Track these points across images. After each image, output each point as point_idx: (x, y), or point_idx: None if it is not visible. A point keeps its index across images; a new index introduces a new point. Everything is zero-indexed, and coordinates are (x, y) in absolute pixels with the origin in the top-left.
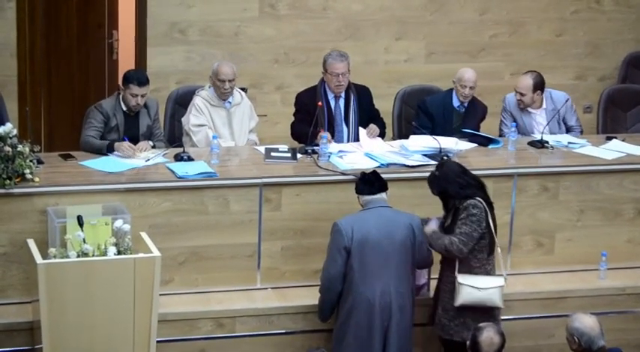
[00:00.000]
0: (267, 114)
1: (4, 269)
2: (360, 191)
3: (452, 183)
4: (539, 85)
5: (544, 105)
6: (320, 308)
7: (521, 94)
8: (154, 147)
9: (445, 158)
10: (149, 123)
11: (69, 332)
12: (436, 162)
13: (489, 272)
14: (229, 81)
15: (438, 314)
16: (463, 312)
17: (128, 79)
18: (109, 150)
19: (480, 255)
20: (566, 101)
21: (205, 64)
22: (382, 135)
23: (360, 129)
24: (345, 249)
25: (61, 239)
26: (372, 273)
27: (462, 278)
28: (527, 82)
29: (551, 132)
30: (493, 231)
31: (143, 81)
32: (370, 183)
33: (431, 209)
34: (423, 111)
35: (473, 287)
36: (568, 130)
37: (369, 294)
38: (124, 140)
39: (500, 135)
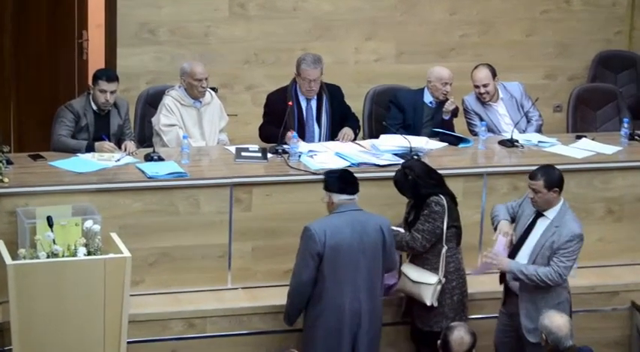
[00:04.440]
0: (238, 114)
1: None
2: (338, 190)
3: (424, 186)
4: (494, 72)
5: (501, 96)
6: (287, 312)
7: (485, 85)
8: None
9: (410, 160)
10: (120, 123)
11: (39, 334)
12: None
13: (460, 260)
14: (205, 79)
15: (416, 308)
16: (440, 303)
17: (97, 76)
18: (88, 150)
19: (449, 244)
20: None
21: (175, 65)
22: (356, 135)
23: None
24: (318, 254)
25: (31, 240)
26: (344, 279)
27: (404, 267)
28: (485, 72)
29: (514, 120)
30: (445, 225)
31: (111, 76)
32: (351, 183)
33: (401, 208)
34: (394, 104)
35: (407, 278)
36: (526, 115)
37: (340, 300)
38: (102, 139)
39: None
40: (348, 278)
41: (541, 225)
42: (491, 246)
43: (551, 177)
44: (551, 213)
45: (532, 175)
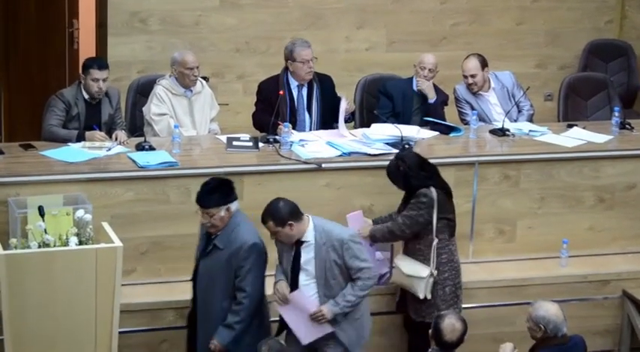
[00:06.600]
0: (229, 104)
1: None
2: (235, 197)
3: (416, 177)
4: (485, 62)
5: (492, 85)
6: (241, 332)
7: (472, 76)
8: None
9: (403, 149)
10: (111, 112)
11: (31, 323)
12: (397, 151)
13: (453, 252)
14: (197, 68)
15: (409, 299)
16: (432, 294)
17: (87, 65)
18: (79, 140)
19: (441, 235)
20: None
21: (166, 54)
22: (347, 120)
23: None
24: (266, 262)
25: (22, 229)
26: None
27: (397, 259)
28: (474, 62)
29: (505, 110)
30: (434, 217)
31: (102, 64)
32: (233, 187)
33: (392, 198)
34: (383, 94)
35: (400, 271)
36: (518, 105)
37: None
38: (93, 128)
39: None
40: None
41: (308, 251)
42: (303, 312)
43: (278, 215)
44: (309, 236)
45: (262, 220)
